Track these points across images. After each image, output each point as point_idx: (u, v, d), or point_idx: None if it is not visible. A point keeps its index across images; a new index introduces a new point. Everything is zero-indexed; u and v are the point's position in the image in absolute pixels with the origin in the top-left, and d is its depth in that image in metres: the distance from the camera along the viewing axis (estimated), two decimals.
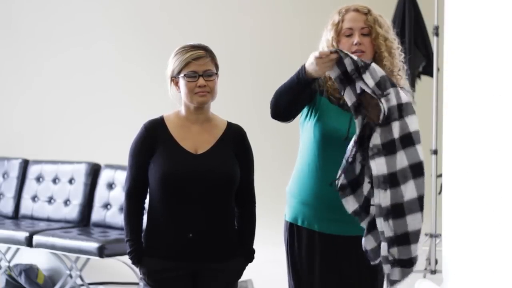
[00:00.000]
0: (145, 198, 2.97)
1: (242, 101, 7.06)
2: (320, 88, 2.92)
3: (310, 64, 2.70)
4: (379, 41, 2.87)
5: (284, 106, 2.81)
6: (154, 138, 2.91)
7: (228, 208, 2.95)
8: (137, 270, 2.99)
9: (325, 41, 2.94)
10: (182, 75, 2.87)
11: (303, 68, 2.73)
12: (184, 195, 2.86)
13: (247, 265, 3.01)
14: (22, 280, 5.50)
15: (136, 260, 2.92)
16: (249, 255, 3.00)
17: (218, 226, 2.91)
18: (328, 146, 2.86)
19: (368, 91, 2.64)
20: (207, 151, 2.91)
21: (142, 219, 2.96)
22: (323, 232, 2.94)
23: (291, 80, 2.78)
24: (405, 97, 2.68)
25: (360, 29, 2.87)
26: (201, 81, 2.86)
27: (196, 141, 2.92)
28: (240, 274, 2.99)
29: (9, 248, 5.66)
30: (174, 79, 2.92)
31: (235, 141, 2.96)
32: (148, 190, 2.94)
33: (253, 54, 7.29)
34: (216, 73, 2.90)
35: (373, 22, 2.87)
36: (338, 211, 2.84)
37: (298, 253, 2.98)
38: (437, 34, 5.58)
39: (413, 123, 2.67)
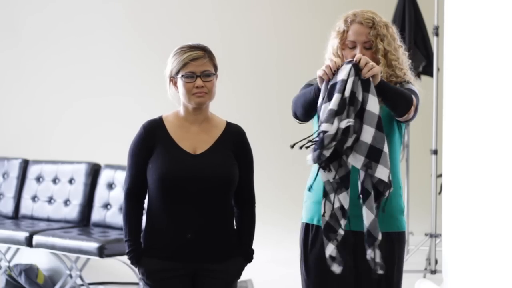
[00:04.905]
0: (144, 198, 2.97)
1: (242, 100, 7.05)
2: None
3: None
4: (378, 56, 2.96)
5: (301, 110, 2.91)
6: (152, 138, 2.91)
7: (227, 208, 2.95)
8: (137, 270, 2.99)
9: (330, 46, 3.03)
10: (180, 75, 2.87)
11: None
12: (183, 195, 2.86)
13: (246, 265, 3.01)
14: (22, 280, 5.50)
15: (135, 260, 2.92)
16: (248, 255, 3.00)
17: (217, 226, 2.91)
18: None
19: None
20: (205, 152, 2.90)
21: (141, 219, 2.96)
22: None
23: (310, 90, 2.86)
24: None
25: (363, 43, 2.96)
26: (199, 81, 2.86)
27: (195, 142, 2.91)
28: (239, 274, 2.99)
29: (9, 248, 5.66)
30: (173, 79, 2.91)
31: (234, 141, 2.95)
32: (147, 190, 2.94)
33: (253, 54, 7.29)
34: (215, 74, 2.90)
35: (375, 37, 2.96)
36: (354, 206, 2.81)
37: (319, 251, 2.90)
38: (437, 34, 5.58)
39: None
